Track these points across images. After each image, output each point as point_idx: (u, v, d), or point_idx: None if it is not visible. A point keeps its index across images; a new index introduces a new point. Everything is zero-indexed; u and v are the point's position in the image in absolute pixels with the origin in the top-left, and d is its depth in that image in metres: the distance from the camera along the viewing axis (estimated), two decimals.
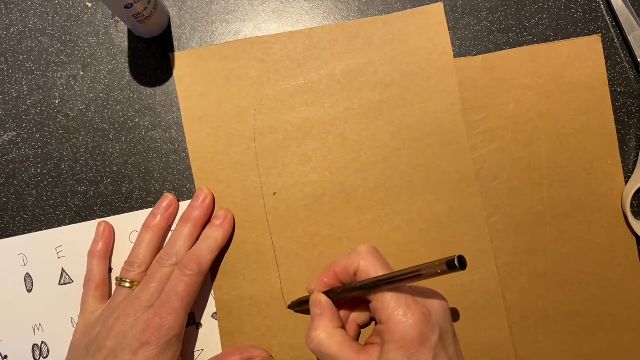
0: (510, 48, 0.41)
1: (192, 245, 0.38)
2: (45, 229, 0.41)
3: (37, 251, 0.41)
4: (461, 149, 0.40)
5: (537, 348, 0.40)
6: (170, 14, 0.42)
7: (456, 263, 0.27)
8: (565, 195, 0.40)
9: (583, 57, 0.41)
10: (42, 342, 0.40)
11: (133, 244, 0.39)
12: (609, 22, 0.41)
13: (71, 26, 0.42)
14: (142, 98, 0.42)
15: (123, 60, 0.42)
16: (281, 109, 0.41)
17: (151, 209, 0.40)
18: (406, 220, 0.40)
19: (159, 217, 0.39)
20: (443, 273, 0.28)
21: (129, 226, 0.41)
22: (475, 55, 0.41)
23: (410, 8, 0.41)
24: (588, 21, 0.41)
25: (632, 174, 0.40)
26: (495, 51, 0.41)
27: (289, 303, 0.40)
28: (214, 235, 0.39)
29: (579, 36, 0.41)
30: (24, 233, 0.41)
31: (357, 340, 0.39)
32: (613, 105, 0.41)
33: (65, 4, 0.42)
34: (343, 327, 0.35)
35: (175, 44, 0.42)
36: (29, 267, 0.41)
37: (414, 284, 0.33)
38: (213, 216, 0.40)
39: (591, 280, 0.40)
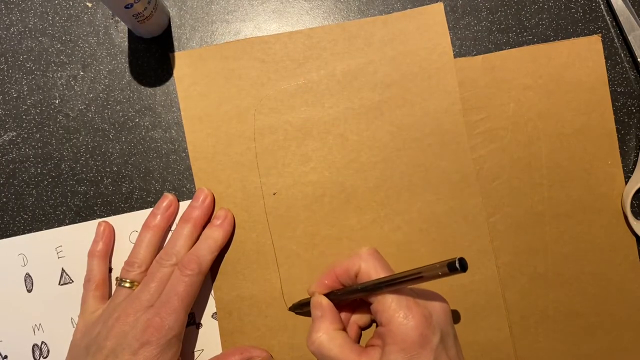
0: (510, 48, 0.41)
1: (192, 245, 0.38)
2: (45, 229, 0.41)
3: (37, 251, 0.41)
4: (461, 149, 0.40)
5: (537, 348, 0.40)
6: (170, 14, 0.42)
7: (457, 265, 0.27)
8: (565, 195, 0.40)
9: (583, 57, 0.41)
10: (42, 342, 0.40)
11: (133, 244, 0.39)
12: (609, 22, 0.41)
13: (71, 26, 0.42)
14: (142, 98, 0.42)
15: (123, 60, 0.42)
16: (281, 109, 0.41)
17: (151, 209, 0.40)
18: (406, 220, 0.40)
19: (159, 217, 0.39)
20: (444, 275, 0.28)
21: (129, 226, 0.41)
22: (475, 55, 0.41)
23: (410, 8, 0.41)
24: (588, 21, 0.41)
25: (632, 174, 0.40)
26: (495, 51, 0.41)
27: (289, 303, 0.40)
28: (214, 235, 0.39)
29: (579, 36, 0.41)
30: (24, 233, 0.41)
31: (358, 342, 0.39)
32: (613, 105, 0.41)
33: (65, 4, 0.42)
34: (344, 329, 0.35)
35: (175, 44, 0.42)
36: (29, 267, 0.41)
37: (414, 286, 0.33)
38: (213, 216, 0.40)
39: (591, 280, 0.40)
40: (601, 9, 0.41)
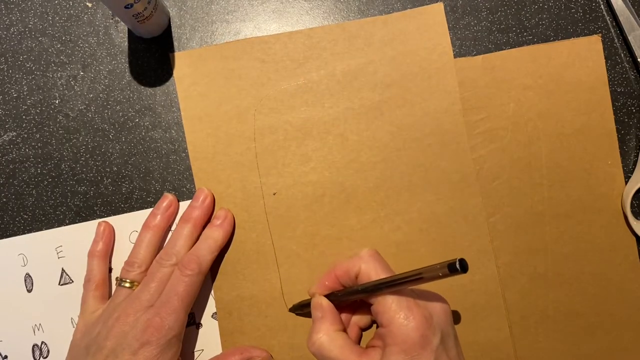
0: (510, 48, 0.41)
1: (192, 245, 0.38)
2: (45, 229, 0.41)
3: (37, 251, 0.41)
4: (461, 149, 0.40)
5: (537, 348, 0.40)
6: (170, 14, 0.42)
7: (457, 266, 0.27)
8: (565, 195, 0.40)
9: (583, 57, 0.41)
10: (42, 342, 0.40)
11: (133, 244, 0.39)
12: (609, 22, 0.41)
13: (71, 26, 0.42)
14: (142, 98, 0.42)
15: (123, 60, 0.42)
16: (281, 109, 0.41)
17: (151, 209, 0.40)
18: (406, 220, 0.40)
19: (159, 217, 0.39)
20: (444, 276, 0.28)
21: (129, 226, 0.41)
22: (475, 55, 0.41)
23: (410, 8, 0.41)
24: (588, 21, 0.41)
25: (632, 174, 0.40)
26: (495, 51, 0.41)
27: (289, 303, 0.40)
28: (214, 235, 0.39)
29: (579, 36, 0.41)
30: (24, 233, 0.41)
31: (359, 343, 0.39)
32: (613, 105, 0.41)
33: (65, 4, 0.42)
34: (344, 330, 0.35)
35: (175, 44, 0.42)
36: (29, 267, 0.41)
37: (415, 286, 0.33)
38: (213, 216, 0.40)
39: (591, 280, 0.40)
40: (601, 9, 0.41)
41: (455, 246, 0.40)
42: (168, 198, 0.40)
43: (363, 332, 0.39)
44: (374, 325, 0.39)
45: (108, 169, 0.41)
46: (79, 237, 0.41)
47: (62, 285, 0.41)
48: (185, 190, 0.41)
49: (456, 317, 0.40)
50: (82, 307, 0.39)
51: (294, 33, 0.41)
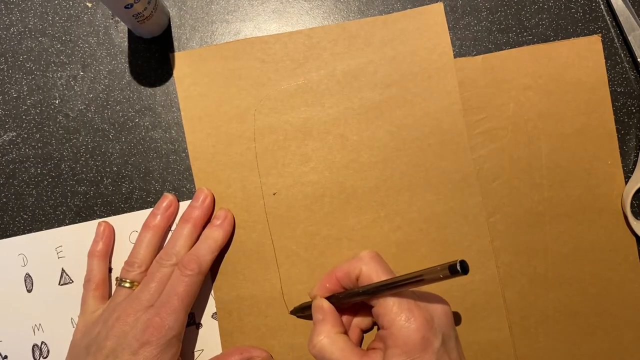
0: (510, 48, 0.41)
1: (192, 245, 0.38)
2: (45, 229, 0.41)
3: (37, 251, 0.41)
4: (461, 149, 0.40)
5: (537, 348, 0.40)
6: (170, 14, 0.42)
7: (458, 268, 0.27)
8: (565, 195, 0.40)
9: (583, 57, 0.41)
10: (42, 342, 0.40)
11: (133, 244, 0.39)
12: (609, 22, 0.41)
13: (71, 26, 0.42)
14: (142, 98, 0.42)
15: (123, 60, 0.42)
16: (281, 109, 0.41)
17: (151, 209, 0.40)
18: (406, 220, 0.40)
19: (159, 217, 0.39)
20: (445, 278, 0.28)
21: (129, 226, 0.41)
22: (475, 55, 0.41)
23: (410, 8, 0.41)
24: (588, 21, 0.41)
25: (632, 174, 0.40)
26: (495, 51, 0.41)
27: (289, 303, 0.40)
28: (214, 235, 0.39)
29: (579, 36, 0.41)
30: (24, 233, 0.41)
31: (360, 345, 0.39)
32: (613, 105, 0.41)
33: (65, 4, 0.42)
34: (345, 332, 0.35)
35: (175, 44, 0.42)
36: (29, 267, 0.41)
37: (416, 288, 0.33)
38: (213, 216, 0.40)
39: (591, 280, 0.40)
40: (601, 9, 0.41)
41: (455, 246, 0.40)
42: (168, 198, 0.40)
43: (364, 334, 0.39)
44: (375, 327, 0.39)
45: (108, 169, 0.41)
46: (79, 237, 0.41)
47: (62, 285, 0.41)
48: (185, 190, 0.41)
49: (456, 317, 0.40)
50: (82, 307, 0.39)
51: (294, 33, 0.41)
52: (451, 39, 0.41)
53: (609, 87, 0.41)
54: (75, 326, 0.40)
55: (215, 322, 0.40)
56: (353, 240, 0.40)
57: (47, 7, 0.42)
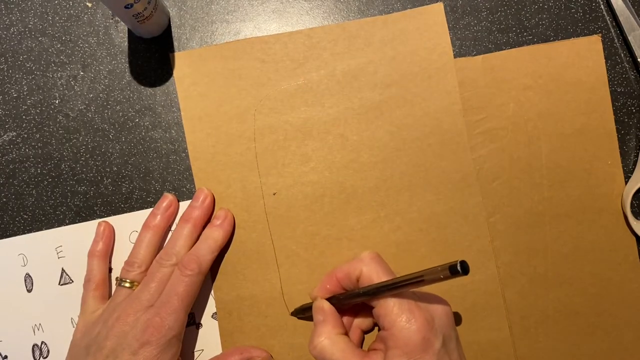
0: (510, 48, 0.41)
1: (192, 245, 0.38)
2: (45, 229, 0.41)
3: (37, 251, 0.41)
4: (461, 149, 0.40)
5: (537, 348, 0.40)
6: (170, 14, 0.42)
7: (459, 268, 0.27)
8: (565, 195, 0.40)
9: (583, 57, 0.41)
10: (42, 342, 0.40)
11: (133, 244, 0.39)
12: (609, 22, 0.41)
13: (71, 26, 0.42)
14: (142, 98, 0.42)
15: (123, 60, 0.42)
16: (281, 109, 0.41)
17: (151, 209, 0.40)
18: (406, 220, 0.40)
19: (159, 217, 0.39)
20: (446, 278, 0.28)
21: (129, 226, 0.41)
22: (475, 55, 0.41)
23: (410, 8, 0.41)
24: (588, 21, 0.41)
25: (632, 174, 0.40)
26: (495, 51, 0.41)
27: (289, 303, 0.40)
28: (214, 235, 0.39)
29: (579, 36, 0.41)
30: (24, 233, 0.41)
31: (361, 346, 0.39)
32: (613, 105, 0.41)
33: (65, 4, 0.42)
34: (346, 333, 0.35)
35: (175, 44, 0.42)
36: (29, 267, 0.41)
37: (416, 289, 0.33)
38: (213, 216, 0.40)
39: (591, 280, 0.40)
40: (601, 9, 0.41)
41: (455, 246, 0.40)
42: (168, 198, 0.40)
43: (365, 335, 0.39)
44: (376, 328, 0.39)
45: (108, 169, 0.41)
46: (79, 237, 0.41)
47: (62, 285, 0.41)
48: (185, 190, 0.41)
49: (456, 317, 0.40)
50: (82, 307, 0.39)
51: (294, 33, 0.41)
52: (451, 39, 0.41)
53: (609, 87, 0.41)
54: (75, 326, 0.40)
55: (215, 322, 0.40)
56: (353, 240, 0.40)
57: (47, 7, 0.42)
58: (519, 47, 0.41)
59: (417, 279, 0.30)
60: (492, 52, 0.41)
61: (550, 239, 0.40)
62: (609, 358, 0.40)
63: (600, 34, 0.41)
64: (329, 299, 0.36)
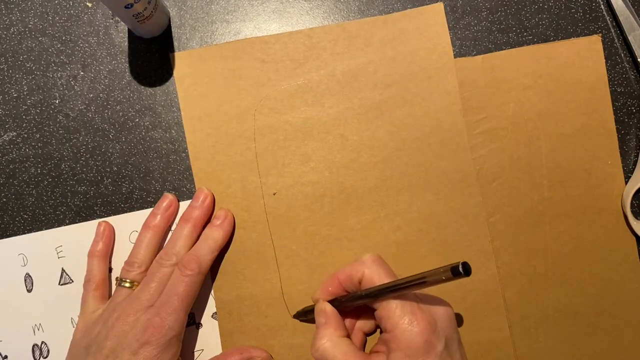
0: (510, 48, 0.41)
1: (192, 245, 0.38)
2: (45, 229, 0.41)
3: (37, 251, 0.41)
4: (461, 149, 0.40)
5: (537, 348, 0.40)
6: (170, 14, 0.42)
7: (461, 270, 0.27)
8: (565, 195, 0.40)
9: (583, 57, 0.41)
10: (42, 342, 0.40)
11: (133, 244, 0.39)
12: (609, 22, 0.41)
13: (71, 26, 0.42)
14: (142, 98, 0.42)
15: (123, 60, 0.42)
16: (281, 109, 0.41)
17: (151, 209, 0.40)
18: (406, 220, 0.40)
19: (159, 217, 0.39)
20: (448, 280, 0.28)
21: (129, 226, 0.41)
22: (475, 55, 0.41)
23: (410, 8, 0.41)
24: (588, 21, 0.41)
25: (632, 174, 0.40)
26: (495, 51, 0.41)
27: (289, 303, 0.40)
28: (214, 235, 0.39)
29: (579, 36, 0.41)
30: (24, 233, 0.41)
31: (363, 348, 0.38)
32: (613, 105, 0.41)
33: (65, 4, 0.42)
34: (348, 336, 0.35)
35: (175, 44, 0.42)
36: (29, 267, 0.41)
37: (418, 291, 0.33)
38: (213, 216, 0.40)
39: (591, 280, 0.40)
40: (601, 9, 0.41)
41: (455, 246, 0.40)
42: (168, 198, 0.40)
43: (367, 338, 0.39)
44: (378, 330, 0.39)
45: (108, 169, 0.41)
46: (79, 237, 0.41)
47: (62, 285, 0.41)
48: (185, 190, 0.41)
49: (457, 317, 0.40)
50: (82, 307, 0.39)
51: (294, 33, 0.41)
52: (451, 39, 0.41)
53: (609, 87, 0.41)
54: (75, 326, 0.40)
55: (215, 322, 0.40)
56: (353, 240, 0.40)
57: (47, 7, 0.42)
58: (519, 47, 0.41)
59: (419, 281, 0.30)
60: (492, 52, 0.41)
61: (550, 239, 0.40)
62: (609, 358, 0.40)
63: (600, 34, 0.41)
64: (330, 302, 0.36)
